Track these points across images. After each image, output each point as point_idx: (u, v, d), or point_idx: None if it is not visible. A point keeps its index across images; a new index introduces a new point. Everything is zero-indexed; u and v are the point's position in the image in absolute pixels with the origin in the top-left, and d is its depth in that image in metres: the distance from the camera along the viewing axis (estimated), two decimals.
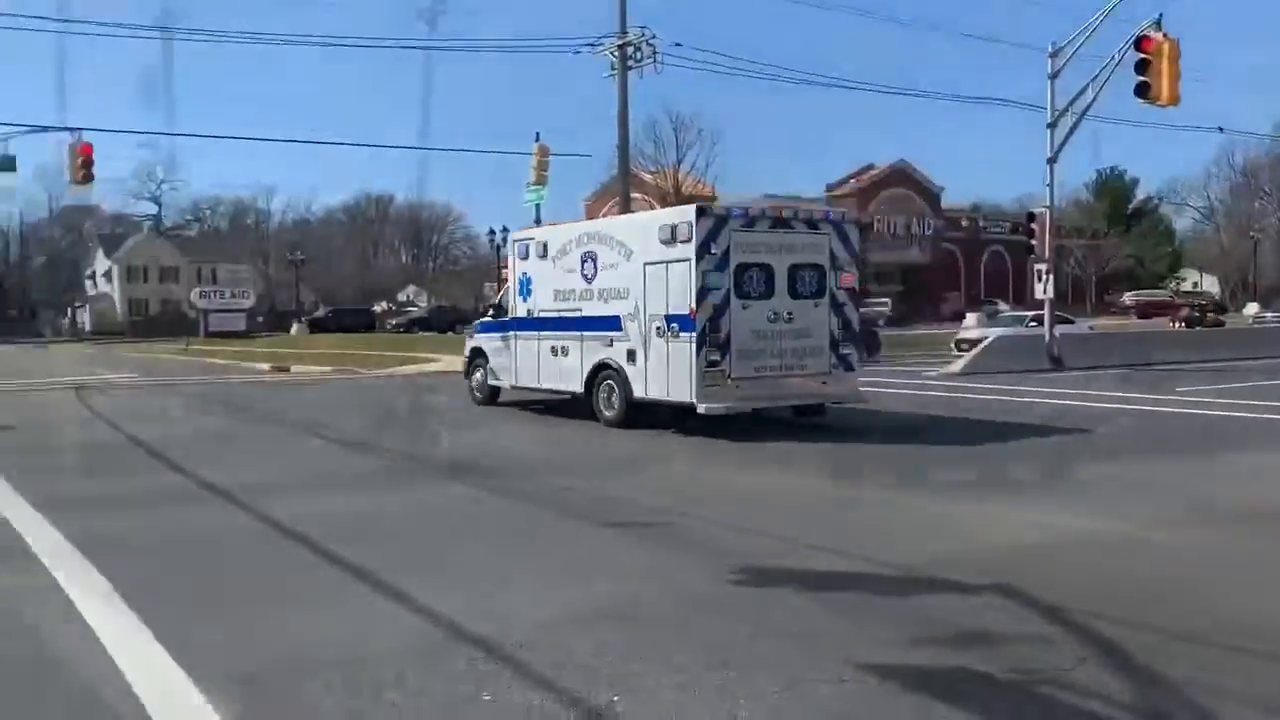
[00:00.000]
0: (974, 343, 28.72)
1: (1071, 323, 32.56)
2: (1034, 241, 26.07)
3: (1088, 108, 24.90)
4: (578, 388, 15.45)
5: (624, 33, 28.27)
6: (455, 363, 23.62)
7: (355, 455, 13.42)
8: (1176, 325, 46.68)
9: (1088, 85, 24.70)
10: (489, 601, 5.88)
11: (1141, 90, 21.23)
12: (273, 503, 9.11)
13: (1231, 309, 66.81)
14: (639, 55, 28.24)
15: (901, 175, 75.40)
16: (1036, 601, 5.76)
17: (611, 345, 14.67)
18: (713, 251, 13.25)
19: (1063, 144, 25.70)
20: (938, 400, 18.47)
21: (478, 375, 18.60)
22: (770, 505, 9.26)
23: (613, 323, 14.66)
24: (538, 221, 28.42)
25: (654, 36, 28.13)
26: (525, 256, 16.85)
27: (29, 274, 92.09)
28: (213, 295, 70.26)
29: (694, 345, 13.22)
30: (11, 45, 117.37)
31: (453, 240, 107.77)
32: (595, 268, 15.11)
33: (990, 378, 22.54)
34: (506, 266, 18.54)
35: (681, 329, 13.47)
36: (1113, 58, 23.53)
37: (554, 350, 15.96)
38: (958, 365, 25.62)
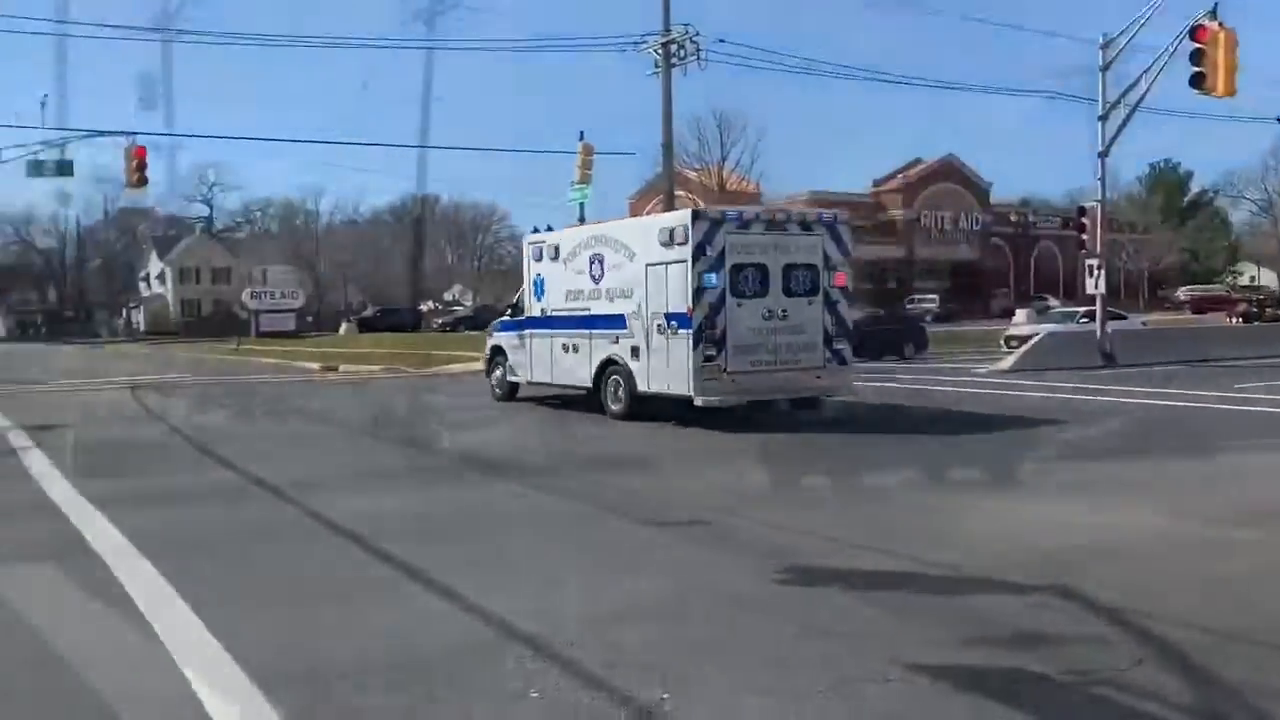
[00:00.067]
0: (1024, 339, 28.34)
1: (1124, 318, 31.98)
2: (1085, 236, 25.66)
3: (1140, 100, 24.49)
4: (587, 382, 16.05)
5: (668, 30, 28.24)
6: None
7: (400, 451, 13.62)
8: (1234, 320, 45.74)
9: (1140, 77, 24.30)
10: (538, 600, 5.92)
11: (1196, 81, 20.73)
12: (322, 499, 9.26)
13: None
14: (682, 53, 28.21)
15: (949, 170, 74.54)
16: (1091, 600, 5.68)
17: (617, 342, 15.31)
18: (708, 253, 13.77)
19: (1115, 137, 25.29)
20: (977, 398, 18.20)
21: (497, 372, 19.10)
22: (805, 504, 9.28)
23: (618, 321, 15.29)
24: (581, 220, 28.49)
25: (697, 34, 28.10)
26: (539, 258, 17.53)
27: (85, 276, 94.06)
28: (263, 296, 71.09)
29: (691, 341, 13.79)
30: (78, 52, 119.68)
31: (498, 239, 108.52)
32: (602, 269, 15.78)
33: (1040, 374, 22.19)
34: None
35: (680, 326, 14.02)
36: (1167, 48, 23.10)
37: (565, 347, 16.65)
38: (1007, 362, 25.32)
